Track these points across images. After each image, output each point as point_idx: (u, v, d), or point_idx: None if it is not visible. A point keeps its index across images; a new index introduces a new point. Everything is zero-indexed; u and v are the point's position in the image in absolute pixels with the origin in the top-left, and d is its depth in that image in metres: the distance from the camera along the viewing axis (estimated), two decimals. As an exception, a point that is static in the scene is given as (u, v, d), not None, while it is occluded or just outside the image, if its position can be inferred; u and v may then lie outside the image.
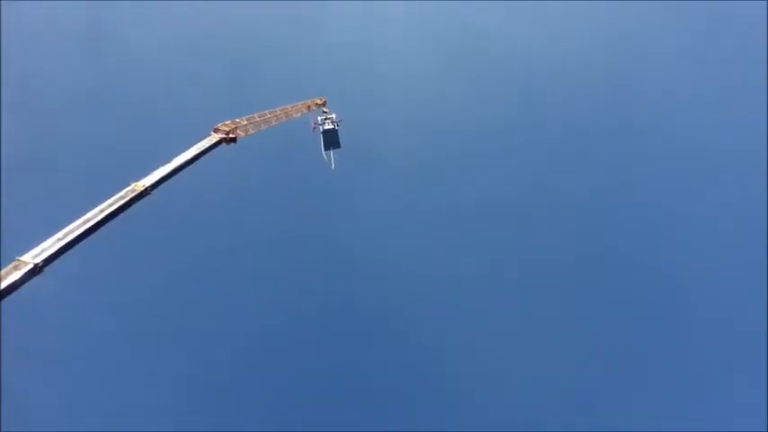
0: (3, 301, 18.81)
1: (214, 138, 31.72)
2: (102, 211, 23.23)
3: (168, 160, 28.15)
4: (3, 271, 19.01)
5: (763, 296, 74.98)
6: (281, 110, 39.76)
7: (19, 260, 19.55)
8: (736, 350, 74.61)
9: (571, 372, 75.57)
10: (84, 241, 22.51)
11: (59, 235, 21.46)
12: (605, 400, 74.07)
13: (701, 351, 76.29)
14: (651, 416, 71.64)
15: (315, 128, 44.30)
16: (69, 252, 21.79)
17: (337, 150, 44.58)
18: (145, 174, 26.59)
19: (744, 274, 78.44)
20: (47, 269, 20.43)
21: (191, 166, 29.29)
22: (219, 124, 33.11)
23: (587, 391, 74.87)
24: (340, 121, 44.23)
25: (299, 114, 42.11)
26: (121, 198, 24.28)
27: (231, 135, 32.98)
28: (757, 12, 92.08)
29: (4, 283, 18.57)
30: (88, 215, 22.82)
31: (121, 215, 24.35)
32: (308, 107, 43.51)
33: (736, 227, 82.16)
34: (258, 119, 36.75)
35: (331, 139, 44.05)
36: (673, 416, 71.76)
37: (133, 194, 24.74)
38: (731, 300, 77.65)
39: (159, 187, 26.74)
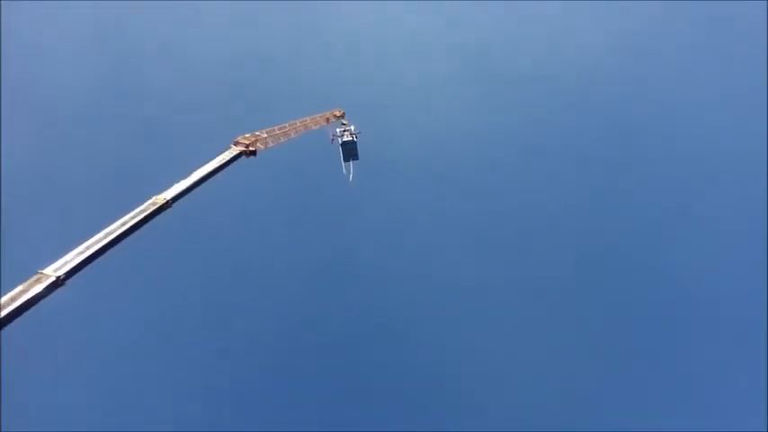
0: (25, 314, 18.93)
1: (234, 151, 31.83)
2: (123, 224, 23.36)
3: (188, 174, 28.24)
4: (25, 284, 19.14)
5: (763, 296, 74.38)
6: (300, 122, 39.86)
7: (41, 273, 19.67)
8: (737, 350, 74.09)
9: (571, 372, 75.09)
10: (106, 254, 22.73)
11: (81, 248, 21.58)
12: (606, 401, 73.66)
13: (702, 351, 75.74)
14: (651, 416, 71.14)
15: (333, 139, 44.34)
16: (91, 265, 22.02)
17: (356, 162, 44.50)
18: (164, 187, 26.77)
19: (744, 274, 77.94)
20: (68, 282, 20.58)
21: (211, 179, 29.45)
22: (239, 137, 33.25)
23: (588, 391, 74.25)
24: (359, 132, 44.20)
25: (317, 126, 42.20)
26: (142, 212, 24.41)
27: (251, 148, 33.07)
28: (758, 12, 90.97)
29: (27, 296, 18.67)
30: (110, 228, 22.97)
31: (143, 228, 24.58)
32: (327, 119, 43.58)
33: (737, 227, 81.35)
34: (278, 131, 36.85)
35: (350, 151, 44.03)
36: (673, 416, 71.19)
37: (154, 208, 24.86)
38: (731, 300, 77.14)
39: (180, 200, 26.88)
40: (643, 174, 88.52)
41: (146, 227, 24.72)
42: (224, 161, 30.34)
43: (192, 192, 28.03)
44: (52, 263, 20.48)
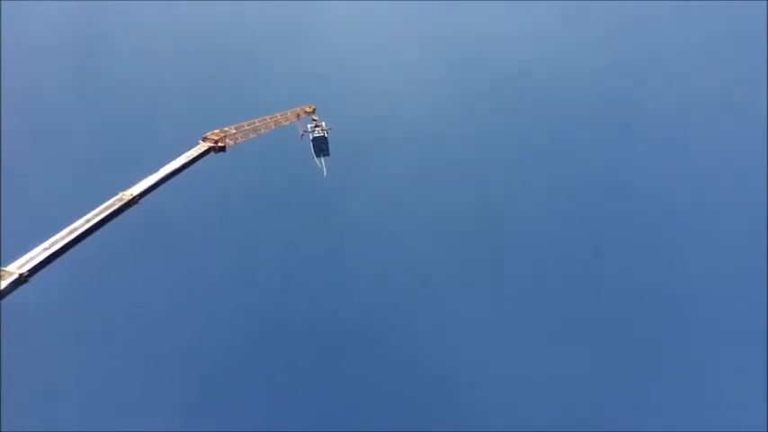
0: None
1: (203, 146, 31.85)
2: (88, 220, 23.29)
3: (156, 169, 28.21)
4: (-12, 281, 19.04)
5: (763, 296, 75.29)
6: (270, 118, 39.84)
7: (4, 270, 19.62)
8: (737, 350, 74.76)
9: (572, 372, 75.51)
10: (72, 250, 22.65)
11: (46, 244, 21.54)
12: (606, 401, 74.18)
13: (702, 351, 76.61)
14: (651, 416, 71.91)
15: (303, 135, 44.36)
16: (57, 261, 21.94)
17: (326, 158, 44.66)
18: (132, 182, 26.70)
19: (744, 274, 78.77)
20: (33, 279, 20.52)
21: (179, 175, 29.43)
22: (208, 133, 33.27)
23: (588, 391, 74.88)
24: (329, 128, 44.33)
25: (288, 122, 42.20)
26: (108, 207, 24.38)
27: (220, 144, 33.09)
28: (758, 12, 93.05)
29: (-11, 293, 18.61)
30: (75, 224, 22.92)
31: (109, 224, 24.51)
32: (298, 115, 43.58)
33: (737, 227, 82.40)
34: (247, 127, 36.85)
35: (320, 147, 44.12)
36: (673, 416, 71.93)
37: (120, 204, 24.87)
38: (731, 300, 77.93)
39: (147, 196, 26.84)
40: (643, 173, 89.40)
41: (114, 222, 24.76)
42: (192, 157, 30.39)
43: (161, 187, 28.06)
44: (16, 260, 20.42)
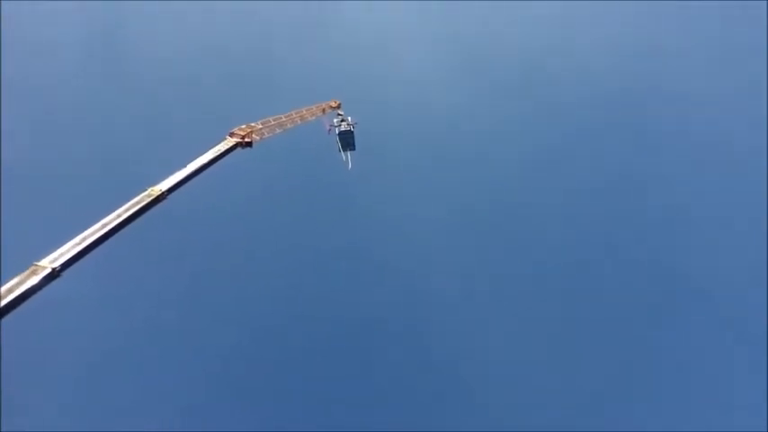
0: (22, 305, 18.97)
1: (230, 142, 31.83)
2: (118, 216, 23.37)
3: (184, 165, 28.20)
4: (21, 276, 19.16)
5: (763, 296, 74.53)
6: (296, 113, 39.80)
7: (36, 265, 19.70)
8: (736, 350, 74.30)
9: (572, 371, 75.31)
10: (102, 245, 22.73)
11: (77, 240, 21.61)
12: (606, 401, 73.73)
13: (702, 351, 76.04)
14: (652, 416, 71.43)
15: (330, 130, 44.32)
16: (87, 256, 22.03)
17: (352, 152, 44.58)
18: (161, 178, 26.71)
19: (744, 274, 77.98)
20: (65, 273, 20.60)
21: (206, 171, 29.41)
22: (235, 128, 33.29)
23: (588, 391, 74.31)
24: (355, 123, 44.23)
25: (313, 117, 42.14)
26: (138, 203, 24.43)
27: (247, 139, 33.07)
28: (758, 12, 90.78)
29: (23, 288, 18.71)
30: (105, 220, 22.98)
31: (138, 219, 24.57)
32: (323, 110, 43.58)
33: (737, 227, 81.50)
34: (273, 122, 36.80)
35: (347, 141, 44.20)
36: (673, 416, 71.44)
37: (149, 199, 24.88)
38: (731, 300, 77.32)
39: (175, 191, 26.84)
40: (642, 173, 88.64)
41: (142, 218, 24.84)
42: (219, 152, 30.35)
43: (189, 183, 28.06)
44: (48, 254, 20.51)
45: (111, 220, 23.04)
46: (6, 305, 18.12)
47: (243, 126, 33.77)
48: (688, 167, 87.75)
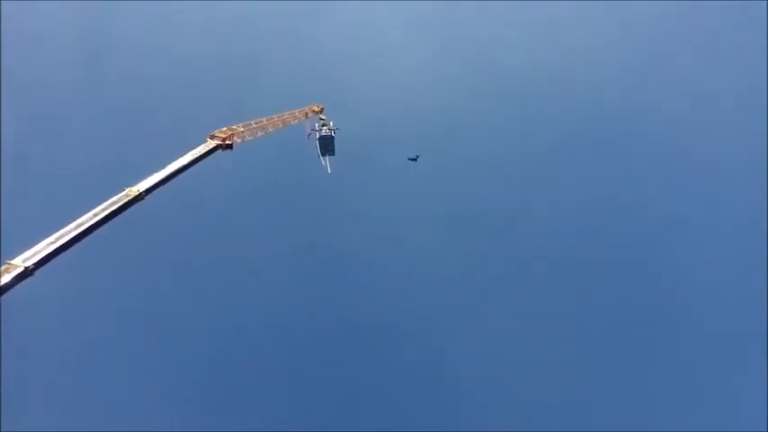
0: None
1: (210, 144, 31.91)
2: (95, 215, 23.33)
3: (163, 166, 28.21)
4: (-7, 274, 19.04)
5: (763, 296, 75.15)
6: (277, 117, 39.89)
7: (9, 263, 19.59)
8: (737, 350, 74.83)
9: (572, 372, 75.58)
10: (78, 245, 22.66)
11: (51, 238, 21.53)
12: (606, 400, 74.16)
13: (702, 351, 76.47)
14: (652, 416, 71.87)
15: (310, 134, 44.48)
16: (63, 255, 21.95)
17: (331, 158, 44.78)
18: (140, 178, 26.70)
19: (744, 274, 78.63)
20: (38, 272, 20.51)
21: (186, 172, 29.43)
22: (216, 131, 33.34)
23: (589, 391, 74.68)
24: (337, 128, 44.41)
25: (296, 121, 42.24)
26: (115, 203, 24.39)
27: (227, 141, 33.14)
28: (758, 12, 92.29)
29: (-6, 286, 18.61)
30: (81, 219, 22.93)
31: (115, 219, 24.52)
32: (306, 114, 43.69)
33: (737, 227, 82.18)
34: (255, 125, 36.89)
35: (326, 146, 44.33)
36: (673, 416, 71.92)
37: (127, 199, 24.89)
38: (732, 300, 77.79)
39: (153, 193, 26.83)
40: (642, 173, 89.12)
41: (120, 217, 24.79)
42: (199, 154, 30.43)
43: (168, 184, 28.06)
44: (22, 253, 20.42)
45: (88, 219, 23.02)
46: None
47: (224, 128, 33.85)
48: (688, 167, 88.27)
